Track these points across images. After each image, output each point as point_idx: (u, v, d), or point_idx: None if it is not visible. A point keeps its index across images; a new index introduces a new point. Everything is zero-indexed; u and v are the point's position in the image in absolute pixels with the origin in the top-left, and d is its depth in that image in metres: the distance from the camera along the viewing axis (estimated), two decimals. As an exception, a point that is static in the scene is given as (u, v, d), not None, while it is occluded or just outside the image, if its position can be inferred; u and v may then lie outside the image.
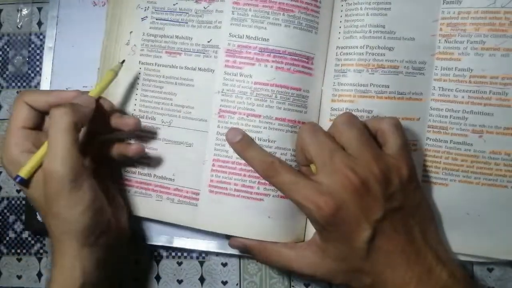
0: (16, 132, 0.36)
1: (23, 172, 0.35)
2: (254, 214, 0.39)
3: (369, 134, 0.36)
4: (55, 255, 0.35)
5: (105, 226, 0.36)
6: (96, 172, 0.37)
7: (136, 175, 0.42)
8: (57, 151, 0.33)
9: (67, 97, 0.37)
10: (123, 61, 0.41)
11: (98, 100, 0.38)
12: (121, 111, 0.42)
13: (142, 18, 0.43)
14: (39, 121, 0.37)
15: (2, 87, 0.47)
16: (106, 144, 0.40)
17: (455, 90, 0.38)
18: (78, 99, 0.36)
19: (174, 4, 0.42)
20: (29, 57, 0.47)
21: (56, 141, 0.33)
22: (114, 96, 0.42)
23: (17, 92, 0.47)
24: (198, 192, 0.40)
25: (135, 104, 0.42)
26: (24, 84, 0.47)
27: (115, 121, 0.39)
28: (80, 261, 0.34)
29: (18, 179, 0.35)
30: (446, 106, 0.38)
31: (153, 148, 0.41)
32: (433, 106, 0.39)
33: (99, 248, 0.35)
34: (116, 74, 0.39)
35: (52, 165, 0.33)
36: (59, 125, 0.33)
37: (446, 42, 0.38)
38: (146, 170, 0.41)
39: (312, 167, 0.36)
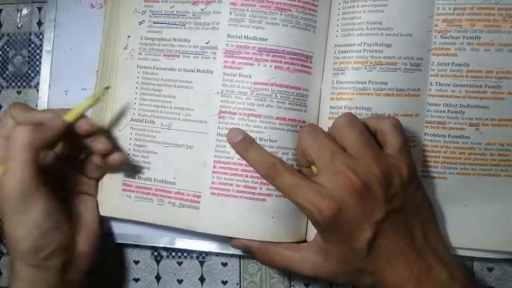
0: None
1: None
2: (257, 215, 0.39)
3: (369, 133, 0.36)
4: (9, 274, 0.35)
5: (57, 247, 0.35)
6: (63, 193, 0.37)
7: (136, 180, 0.41)
8: (10, 169, 0.33)
9: (44, 117, 0.36)
10: (107, 87, 0.41)
11: (72, 123, 0.37)
12: (109, 132, 0.42)
13: (139, 22, 0.42)
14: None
15: (2, 87, 0.47)
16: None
17: (452, 85, 0.39)
18: (48, 120, 0.35)
19: (171, 7, 0.41)
20: (29, 57, 0.46)
21: (11, 159, 0.33)
22: (113, 101, 0.42)
23: (18, 92, 0.46)
24: (200, 195, 0.40)
25: (134, 108, 0.42)
26: (24, 84, 0.46)
27: (93, 144, 0.38)
28: (29, 284, 0.34)
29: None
30: (443, 101, 0.39)
31: (153, 152, 0.41)
32: (431, 102, 0.39)
33: (50, 270, 0.35)
34: (97, 100, 0.38)
35: (2, 182, 0.33)
36: (16, 143, 0.33)
37: (442, 38, 0.39)
38: (146, 175, 0.41)
39: (313, 168, 0.37)
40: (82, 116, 0.37)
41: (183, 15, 0.41)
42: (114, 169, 0.41)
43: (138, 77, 0.42)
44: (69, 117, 0.36)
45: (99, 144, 0.38)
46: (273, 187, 0.38)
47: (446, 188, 0.39)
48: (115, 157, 0.39)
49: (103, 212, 0.41)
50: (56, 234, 0.35)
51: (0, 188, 0.33)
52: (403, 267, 0.34)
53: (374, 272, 0.34)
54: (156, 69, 0.42)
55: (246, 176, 0.39)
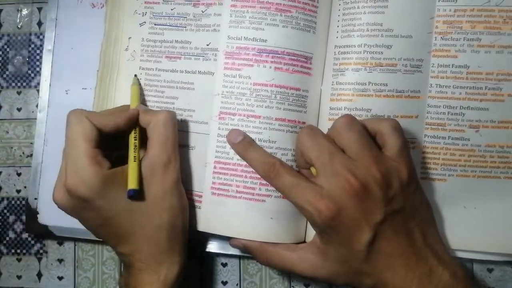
0: (91, 153, 0.35)
1: (134, 184, 0.35)
2: (257, 216, 0.39)
3: (369, 135, 0.36)
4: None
5: None
6: None
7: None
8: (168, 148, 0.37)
9: (133, 115, 0.38)
10: (135, 75, 0.42)
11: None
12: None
13: (140, 24, 0.42)
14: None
15: (2, 87, 0.47)
16: None
17: (452, 87, 0.39)
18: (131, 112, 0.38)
19: (172, 9, 0.42)
20: (29, 57, 0.47)
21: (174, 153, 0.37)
22: (116, 103, 0.42)
23: (18, 92, 0.46)
24: (201, 195, 0.40)
25: (136, 110, 0.42)
26: (24, 84, 0.46)
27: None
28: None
29: (132, 193, 0.35)
30: (443, 103, 0.39)
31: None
32: (431, 103, 0.39)
33: None
34: (139, 85, 0.41)
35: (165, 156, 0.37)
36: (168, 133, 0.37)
37: (443, 39, 0.39)
38: None
39: (313, 169, 0.37)
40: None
41: (184, 17, 0.42)
42: None
43: (140, 79, 0.42)
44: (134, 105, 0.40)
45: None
46: (272, 188, 0.38)
47: (446, 190, 0.39)
48: None
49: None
50: None
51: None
52: (404, 270, 0.34)
53: (374, 274, 0.35)
54: (159, 70, 0.42)
55: (246, 176, 0.39)
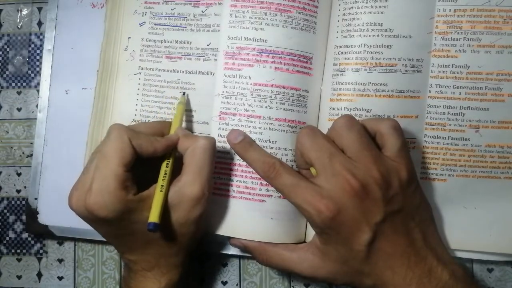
0: (122, 177, 0.34)
1: (156, 218, 0.33)
2: (257, 216, 0.39)
3: (368, 135, 0.36)
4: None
5: None
6: None
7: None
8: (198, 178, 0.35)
9: (174, 142, 0.37)
10: (184, 92, 0.41)
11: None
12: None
13: (140, 24, 0.42)
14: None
15: (2, 87, 0.47)
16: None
17: (452, 87, 0.39)
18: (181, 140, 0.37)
19: (172, 9, 0.42)
20: (29, 57, 0.46)
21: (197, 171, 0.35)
22: (115, 102, 0.42)
23: (18, 92, 0.46)
24: None
25: (136, 110, 0.42)
26: (24, 84, 0.46)
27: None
28: None
29: (153, 227, 0.33)
30: (443, 103, 0.39)
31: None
32: (431, 104, 0.39)
33: None
34: (185, 104, 0.41)
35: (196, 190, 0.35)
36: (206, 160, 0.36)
37: (443, 39, 0.39)
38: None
39: (312, 170, 0.37)
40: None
41: (184, 17, 0.42)
42: None
43: (140, 78, 0.42)
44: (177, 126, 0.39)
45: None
46: (272, 188, 0.38)
47: (446, 190, 0.39)
48: None
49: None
50: None
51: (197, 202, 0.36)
52: (404, 270, 0.34)
53: (374, 274, 0.35)
54: (158, 70, 0.42)
55: (246, 177, 0.39)
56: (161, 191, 0.35)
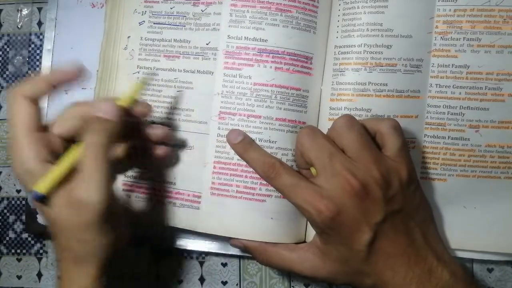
0: (28, 137, 0.32)
1: (43, 188, 0.31)
2: (257, 216, 0.39)
3: (368, 135, 0.36)
4: (69, 276, 0.33)
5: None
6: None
7: (136, 180, 0.42)
8: (92, 180, 0.31)
9: (67, 73, 0.34)
10: (153, 73, 0.41)
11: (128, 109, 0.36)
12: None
13: (139, 23, 0.42)
14: (41, 118, 0.34)
15: (2, 87, 0.47)
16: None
17: (452, 87, 0.39)
18: (105, 110, 0.33)
19: (171, 8, 0.42)
20: (29, 57, 0.46)
21: (92, 169, 0.31)
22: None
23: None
24: (200, 195, 0.40)
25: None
26: (24, 84, 0.47)
27: (151, 132, 0.38)
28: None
29: (35, 195, 0.31)
30: (443, 102, 0.39)
31: (154, 152, 0.41)
32: (431, 103, 0.39)
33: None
34: (145, 84, 0.39)
35: (88, 194, 0.31)
36: (95, 152, 0.32)
37: (442, 39, 0.39)
38: (147, 175, 0.41)
39: (312, 170, 0.37)
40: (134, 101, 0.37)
41: (184, 16, 0.42)
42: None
43: (138, 78, 0.42)
44: (123, 102, 0.35)
45: (158, 130, 0.38)
46: (272, 188, 0.38)
47: (446, 190, 0.39)
48: (163, 149, 0.39)
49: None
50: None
51: (82, 200, 0.31)
52: (404, 270, 0.34)
53: (374, 274, 0.34)
54: (157, 69, 0.42)
55: (246, 176, 0.39)
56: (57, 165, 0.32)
